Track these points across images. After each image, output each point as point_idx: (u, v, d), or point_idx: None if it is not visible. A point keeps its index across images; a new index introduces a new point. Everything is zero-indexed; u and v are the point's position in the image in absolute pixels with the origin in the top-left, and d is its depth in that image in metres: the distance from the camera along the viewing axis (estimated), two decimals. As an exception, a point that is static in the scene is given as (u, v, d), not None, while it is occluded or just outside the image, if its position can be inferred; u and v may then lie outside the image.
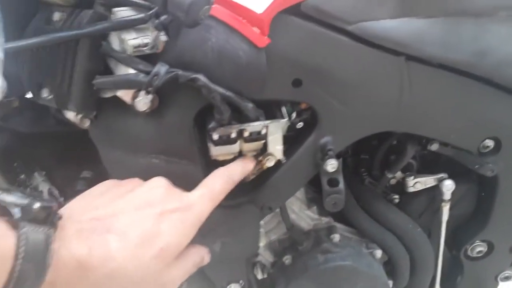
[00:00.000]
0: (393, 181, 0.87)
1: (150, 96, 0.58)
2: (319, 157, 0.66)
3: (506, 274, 0.91)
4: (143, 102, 0.58)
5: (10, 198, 0.39)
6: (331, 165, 0.64)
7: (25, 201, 0.38)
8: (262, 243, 0.74)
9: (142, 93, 0.57)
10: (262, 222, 0.78)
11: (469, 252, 0.87)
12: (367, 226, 0.81)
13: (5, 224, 0.37)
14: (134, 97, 0.58)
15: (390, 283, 0.85)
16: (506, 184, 0.79)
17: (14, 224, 0.37)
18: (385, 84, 0.64)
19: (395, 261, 0.83)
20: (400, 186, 0.86)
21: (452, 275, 0.92)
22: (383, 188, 0.86)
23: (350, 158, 0.92)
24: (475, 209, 0.86)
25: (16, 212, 0.37)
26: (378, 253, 0.81)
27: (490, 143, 0.75)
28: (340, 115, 0.64)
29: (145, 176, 0.62)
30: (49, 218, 0.39)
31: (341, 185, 0.65)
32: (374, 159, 0.87)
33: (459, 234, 0.87)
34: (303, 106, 0.69)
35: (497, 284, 0.92)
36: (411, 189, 0.83)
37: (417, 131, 0.72)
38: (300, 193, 0.84)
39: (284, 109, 0.63)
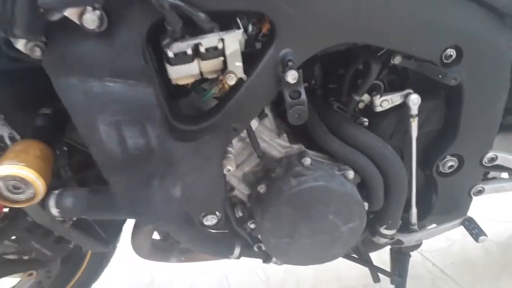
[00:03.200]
0: (361, 105, 0.87)
1: (97, 12, 0.56)
2: (280, 70, 0.65)
3: (479, 188, 0.92)
4: (90, 19, 0.56)
5: None
6: (292, 75, 0.63)
7: None
8: (232, 167, 0.73)
9: (89, 9, 0.56)
10: (233, 151, 0.78)
11: (441, 168, 0.88)
12: (338, 149, 0.82)
13: None
14: (81, 14, 0.56)
15: (366, 205, 0.86)
16: (470, 93, 0.79)
17: None
18: (340, -11, 0.63)
19: (368, 181, 0.84)
20: (369, 110, 0.86)
21: (427, 196, 0.94)
22: (353, 112, 0.86)
23: (319, 90, 0.92)
24: (443, 125, 0.87)
25: None
26: (350, 174, 0.82)
27: (452, 52, 0.75)
28: (297, 24, 0.63)
29: (101, 102, 0.61)
30: None
31: (303, 96, 0.65)
32: (341, 86, 0.87)
33: (430, 152, 0.88)
34: (264, 30, 0.68)
35: (471, 199, 0.94)
36: (378, 109, 0.83)
37: (378, 42, 0.71)
38: (270, 123, 0.83)
39: (239, 20, 0.62)
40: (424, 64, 0.77)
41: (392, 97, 0.82)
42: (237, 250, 0.94)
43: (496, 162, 0.89)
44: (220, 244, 0.94)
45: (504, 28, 0.78)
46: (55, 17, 0.58)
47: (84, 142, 0.65)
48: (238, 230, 0.89)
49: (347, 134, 0.82)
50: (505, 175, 1.02)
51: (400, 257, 1.09)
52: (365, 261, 1.08)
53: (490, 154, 0.88)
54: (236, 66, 0.64)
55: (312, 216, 0.80)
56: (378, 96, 0.82)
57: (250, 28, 0.64)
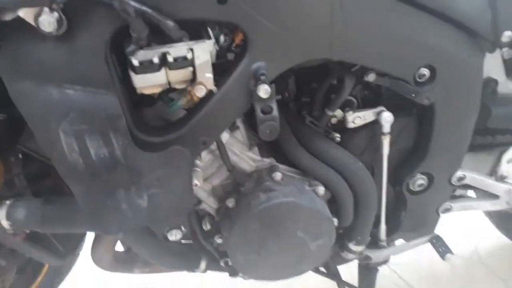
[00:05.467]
0: (334, 120, 0.85)
1: (55, 14, 0.52)
2: (252, 84, 0.63)
3: (447, 206, 0.93)
4: (47, 21, 0.52)
5: None
6: (264, 90, 0.61)
7: None
8: (198, 182, 0.70)
9: (46, 10, 0.51)
10: (201, 164, 0.75)
11: (411, 186, 0.88)
12: (308, 163, 0.80)
13: None
14: (37, 15, 0.52)
15: (335, 221, 0.85)
16: (442, 112, 0.79)
17: None
18: (315, 3, 0.62)
19: (338, 197, 0.82)
20: (341, 125, 0.85)
21: (396, 212, 0.93)
22: (325, 127, 0.85)
23: (292, 103, 0.90)
24: (415, 143, 0.87)
25: None
26: (321, 189, 0.80)
27: (425, 71, 0.75)
28: (271, 36, 0.61)
29: (60, 110, 0.57)
30: None
31: (275, 112, 0.63)
32: (315, 100, 0.86)
33: (401, 169, 0.88)
34: (237, 40, 0.65)
35: (438, 217, 0.95)
36: (351, 125, 0.82)
37: (352, 59, 0.70)
38: (241, 135, 0.81)
39: (210, 30, 0.59)
40: (397, 83, 0.76)
41: (364, 113, 0.81)
42: (203, 264, 0.90)
43: (465, 182, 0.90)
44: (185, 257, 0.90)
45: (476, 49, 0.78)
46: (8, 17, 0.53)
47: (45, 151, 0.61)
48: (204, 244, 0.86)
49: (318, 149, 0.81)
50: (471, 193, 1.03)
51: (368, 271, 1.08)
52: (333, 275, 1.07)
53: (459, 174, 0.89)
54: (206, 77, 0.61)
55: (280, 232, 0.77)
56: (351, 112, 0.81)
57: (222, 39, 0.61)
